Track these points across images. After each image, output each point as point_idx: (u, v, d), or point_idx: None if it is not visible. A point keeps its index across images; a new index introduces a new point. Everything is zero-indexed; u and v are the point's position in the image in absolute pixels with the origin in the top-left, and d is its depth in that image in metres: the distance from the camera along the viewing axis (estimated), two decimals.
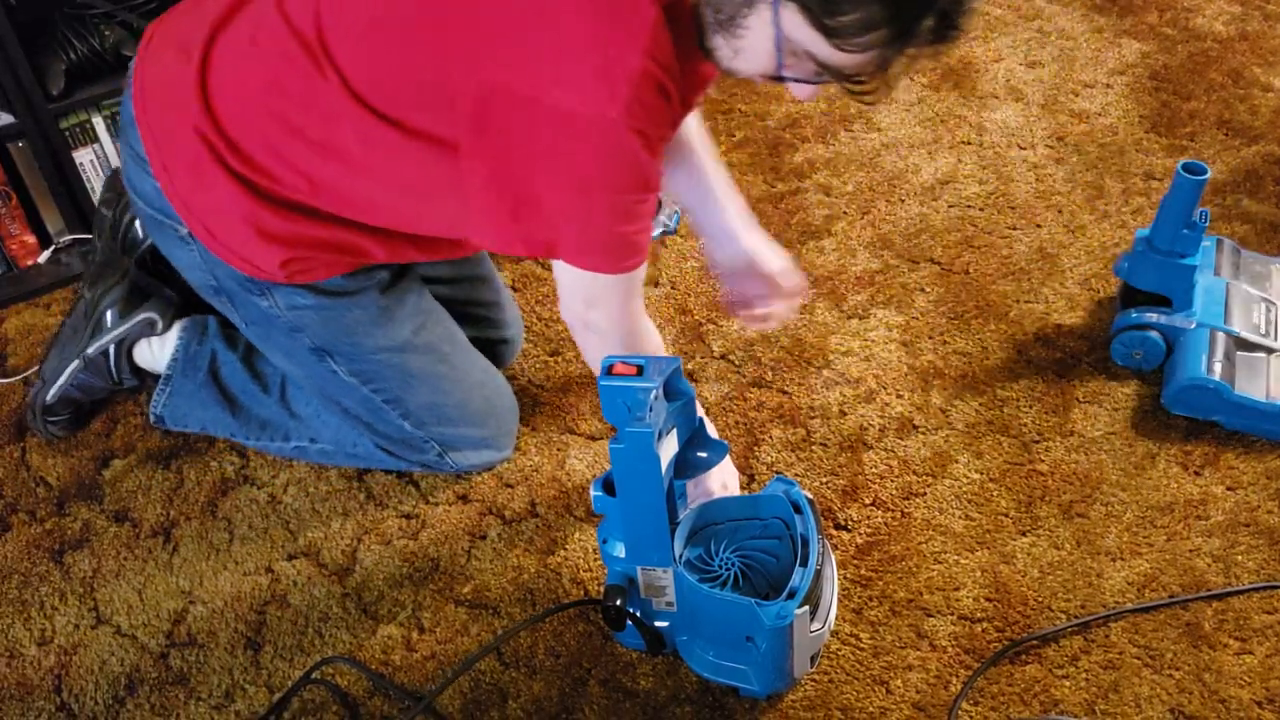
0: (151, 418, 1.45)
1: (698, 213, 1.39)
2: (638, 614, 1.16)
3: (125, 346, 1.45)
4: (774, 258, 1.38)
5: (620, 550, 1.15)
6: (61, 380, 1.44)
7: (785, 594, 1.09)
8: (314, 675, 1.23)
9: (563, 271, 1.17)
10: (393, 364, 1.32)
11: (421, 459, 1.40)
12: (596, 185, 1.08)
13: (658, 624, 1.19)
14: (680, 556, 1.15)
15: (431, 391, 1.35)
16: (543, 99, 1.03)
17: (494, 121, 1.06)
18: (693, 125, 1.34)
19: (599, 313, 1.19)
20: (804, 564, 1.11)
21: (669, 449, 1.11)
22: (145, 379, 1.48)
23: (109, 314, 1.44)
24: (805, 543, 1.12)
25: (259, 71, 1.15)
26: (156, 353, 1.46)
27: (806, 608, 1.08)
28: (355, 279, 1.27)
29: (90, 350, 1.43)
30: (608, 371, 1.06)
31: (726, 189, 1.38)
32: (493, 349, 1.49)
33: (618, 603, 1.14)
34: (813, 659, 1.17)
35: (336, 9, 1.13)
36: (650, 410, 1.04)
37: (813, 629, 1.11)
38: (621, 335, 1.21)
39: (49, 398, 1.45)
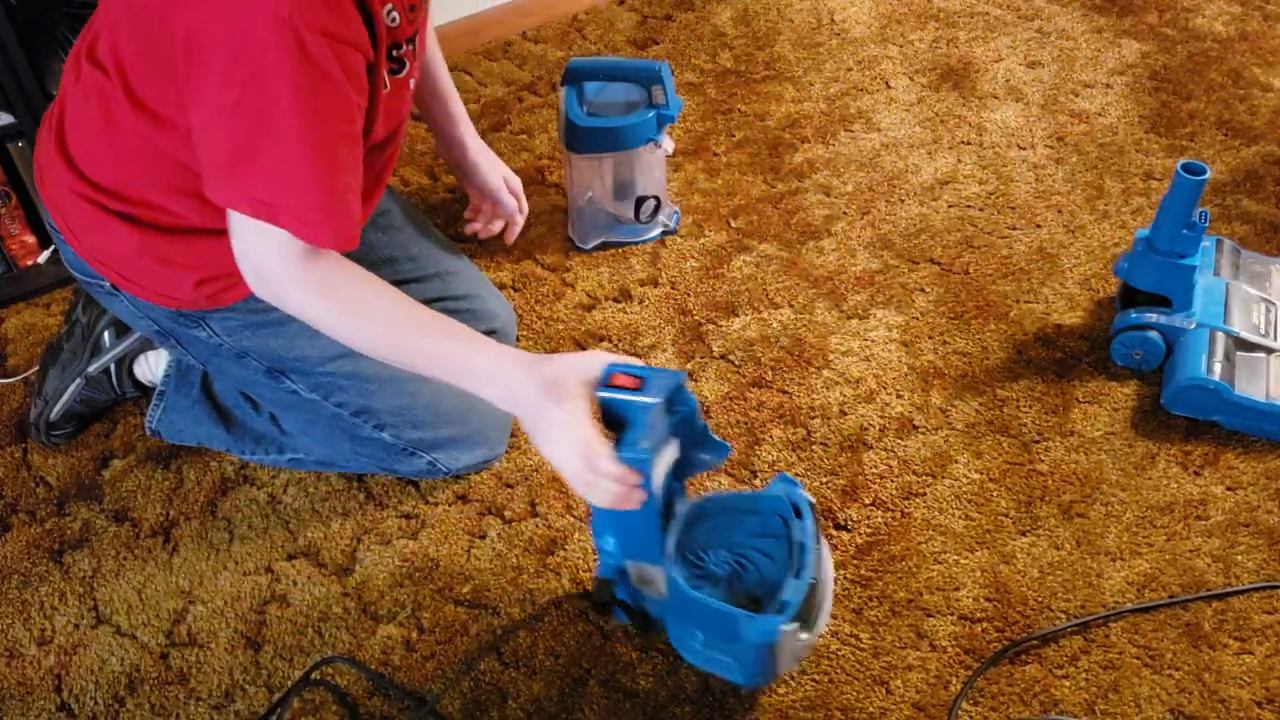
0: (148, 431, 1.46)
1: (436, 122, 1.49)
2: (627, 601, 1.15)
3: (126, 363, 1.46)
4: (491, 174, 1.53)
5: (611, 544, 1.14)
6: (64, 399, 1.45)
7: (775, 606, 1.05)
8: (313, 675, 1.23)
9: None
10: (346, 372, 1.29)
11: (413, 468, 1.37)
12: (284, 106, 0.99)
13: (649, 609, 1.18)
14: (674, 549, 1.13)
15: (395, 395, 1.32)
16: (219, 11, 0.96)
17: (193, 61, 1.00)
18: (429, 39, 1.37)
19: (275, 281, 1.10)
20: (797, 575, 1.07)
21: (667, 458, 1.09)
22: (148, 390, 1.49)
23: (106, 335, 1.45)
24: (801, 550, 1.09)
25: (93, 113, 1.14)
26: (155, 368, 1.46)
27: (796, 624, 1.05)
28: None
29: (91, 370, 1.45)
30: (607, 382, 1.03)
31: (458, 102, 1.48)
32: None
33: (605, 600, 1.13)
34: (800, 659, 1.16)
35: (105, 15, 1.12)
36: (650, 429, 1.02)
37: (801, 638, 1.07)
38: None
39: (53, 416, 1.45)
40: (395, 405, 1.32)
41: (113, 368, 1.46)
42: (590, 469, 1.02)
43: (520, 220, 1.60)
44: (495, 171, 1.56)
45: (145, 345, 1.46)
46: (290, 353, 1.27)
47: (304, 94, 0.98)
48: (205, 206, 1.11)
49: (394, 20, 1.08)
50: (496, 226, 1.60)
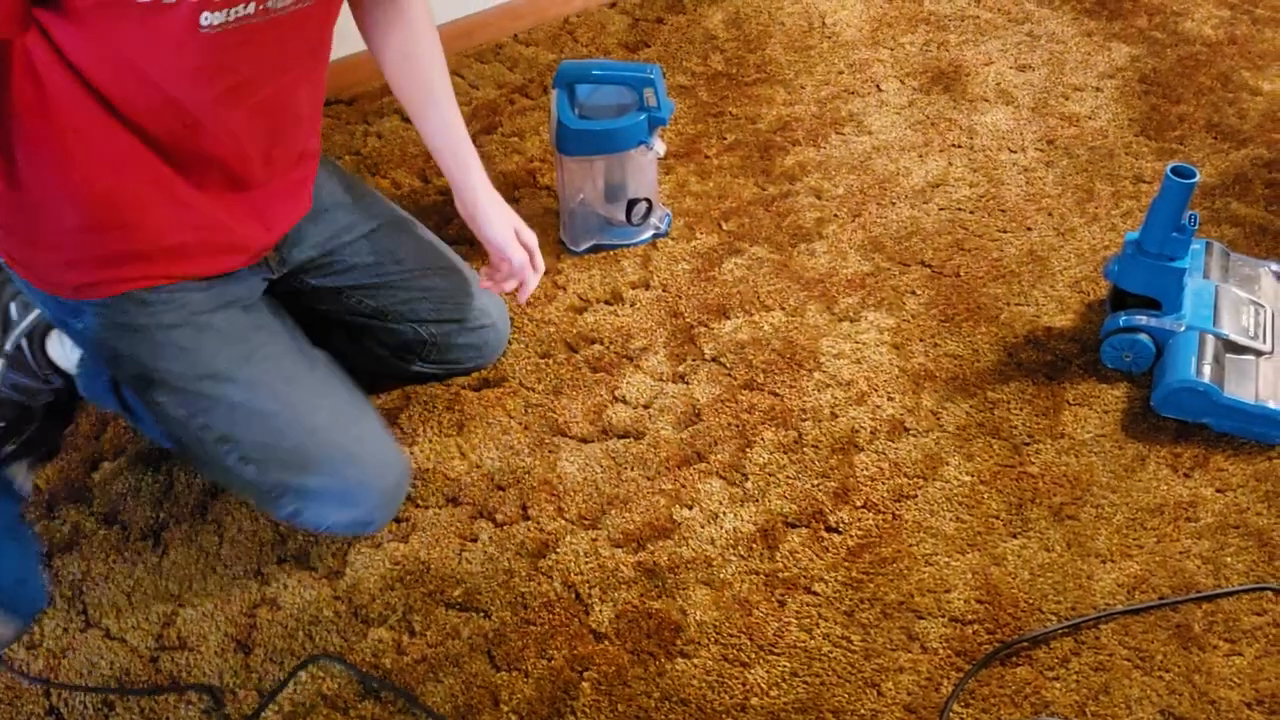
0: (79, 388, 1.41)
1: (445, 167, 1.39)
2: None
3: (36, 341, 1.40)
4: (500, 227, 1.40)
5: None
6: None
7: None
8: (302, 676, 1.23)
9: None
10: (212, 395, 1.20)
11: (280, 512, 1.28)
12: None
13: None
14: None
15: (261, 429, 1.22)
16: None
17: None
18: (435, 59, 1.33)
19: None
20: None
21: None
22: (69, 377, 1.44)
23: (13, 307, 1.39)
24: None
25: None
26: (69, 351, 1.42)
27: None
28: (158, 294, 1.18)
29: (7, 346, 1.39)
30: None
31: (467, 146, 1.38)
32: (476, 335, 1.49)
33: None
34: None
35: None
36: None
37: None
38: None
39: None
40: (260, 440, 1.22)
41: (25, 345, 1.40)
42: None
43: (533, 278, 1.44)
44: (505, 223, 1.42)
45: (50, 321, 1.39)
46: (156, 363, 1.20)
47: None
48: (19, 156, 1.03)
49: None
50: (509, 285, 1.45)
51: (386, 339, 1.46)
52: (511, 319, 1.61)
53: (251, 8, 1.03)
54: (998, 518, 1.36)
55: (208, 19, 0.99)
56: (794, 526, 1.35)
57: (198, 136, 1.11)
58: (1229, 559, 1.30)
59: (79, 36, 0.98)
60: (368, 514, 1.30)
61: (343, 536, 1.35)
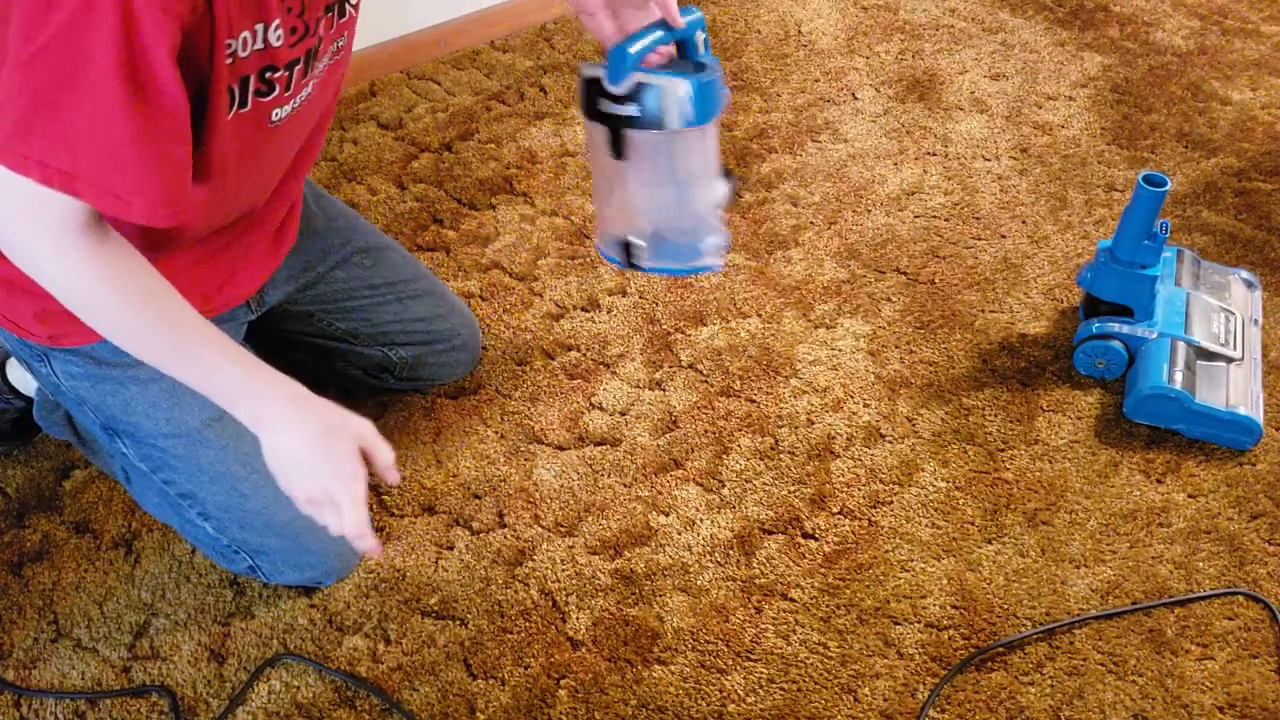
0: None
1: None
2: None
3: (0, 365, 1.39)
4: None
5: None
6: None
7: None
8: (275, 684, 1.22)
9: None
10: (178, 453, 1.17)
11: (234, 566, 1.28)
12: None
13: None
14: None
15: (226, 491, 1.20)
16: None
17: None
18: None
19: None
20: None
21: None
22: (29, 400, 1.42)
23: None
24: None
25: None
26: (30, 377, 1.38)
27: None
28: None
29: None
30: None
31: None
32: (446, 355, 1.48)
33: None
34: None
35: None
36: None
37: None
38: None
39: None
40: (224, 501, 1.20)
41: None
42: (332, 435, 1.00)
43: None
44: None
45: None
46: (126, 416, 1.17)
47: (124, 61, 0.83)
48: None
49: (278, 39, 0.96)
50: None
51: (356, 360, 1.45)
52: (488, 327, 1.61)
53: (309, 88, 1.06)
54: (973, 524, 1.36)
55: (278, 115, 1.04)
56: (770, 533, 1.36)
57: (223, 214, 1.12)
58: (1201, 564, 1.31)
59: None
60: (323, 575, 1.29)
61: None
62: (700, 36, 1.07)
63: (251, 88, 0.98)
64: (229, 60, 0.93)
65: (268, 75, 0.98)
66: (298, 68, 1.01)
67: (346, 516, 1.01)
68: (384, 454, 1.04)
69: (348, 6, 1.07)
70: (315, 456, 1.00)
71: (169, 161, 0.90)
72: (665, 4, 1.05)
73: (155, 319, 0.97)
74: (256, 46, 0.95)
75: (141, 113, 0.85)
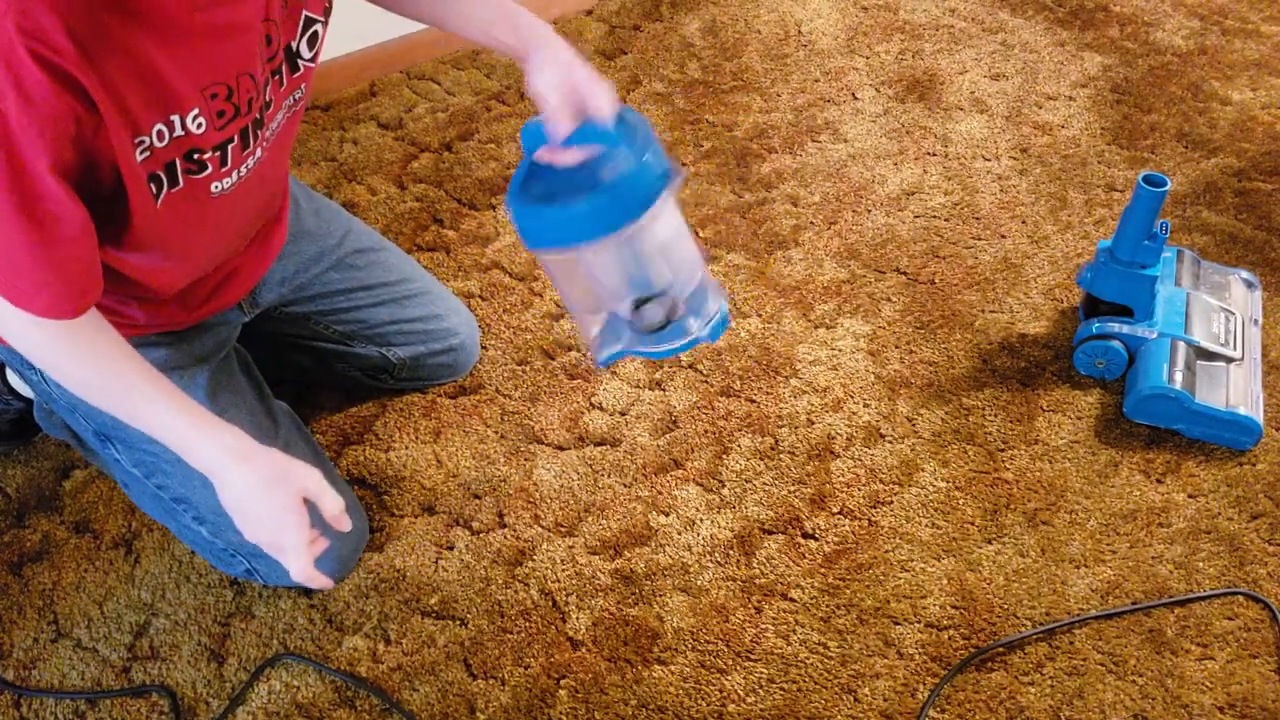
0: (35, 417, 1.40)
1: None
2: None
3: None
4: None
5: None
6: None
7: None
8: (276, 685, 1.22)
9: None
10: (171, 459, 1.13)
11: (231, 569, 1.29)
12: None
13: None
14: None
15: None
16: None
17: None
18: None
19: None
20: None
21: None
22: (29, 401, 1.42)
23: None
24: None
25: None
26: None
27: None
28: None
29: None
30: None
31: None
32: (445, 355, 1.47)
33: None
34: None
35: None
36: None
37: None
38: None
39: None
40: (217, 504, 1.14)
41: None
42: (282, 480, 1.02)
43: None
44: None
45: None
46: (116, 422, 1.13)
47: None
48: None
49: (199, 127, 0.98)
50: None
51: (355, 362, 1.45)
52: (488, 327, 1.61)
53: (257, 154, 1.08)
54: (973, 524, 1.36)
55: (218, 187, 1.06)
56: (771, 533, 1.36)
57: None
58: (1201, 564, 1.31)
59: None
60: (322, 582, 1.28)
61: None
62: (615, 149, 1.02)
63: (179, 169, 1.00)
64: (144, 154, 0.95)
65: (196, 157, 1.00)
66: (232, 145, 1.03)
67: (290, 565, 1.04)
68: (330, 503, 1.06)
69: (300, 61, 1.08)
70: (256, 507, 1.03)
71: (68, 262, 0.95)
72: (591, 92, 1.06)
73: (106, 379, 1.02)
74: (177, 134, 0.97)
75: (33, 223, 0.90)
